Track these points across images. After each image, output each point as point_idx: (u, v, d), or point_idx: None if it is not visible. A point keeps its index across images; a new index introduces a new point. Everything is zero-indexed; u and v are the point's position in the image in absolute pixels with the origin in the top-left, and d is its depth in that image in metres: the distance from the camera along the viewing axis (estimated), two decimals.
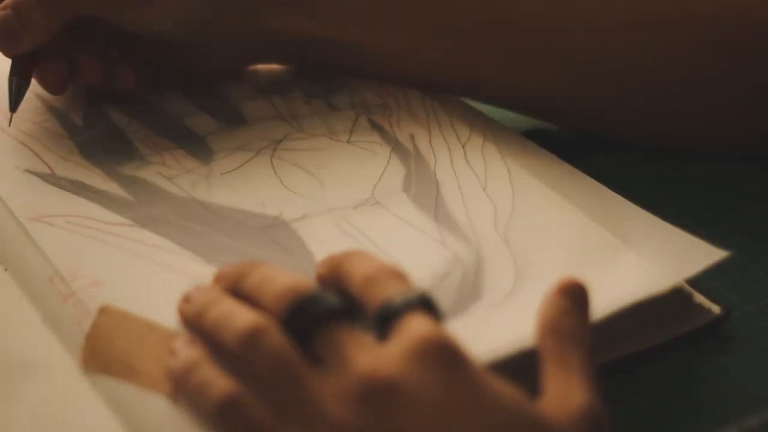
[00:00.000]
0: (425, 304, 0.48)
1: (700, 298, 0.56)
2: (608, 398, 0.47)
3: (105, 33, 0.68)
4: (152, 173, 0.63)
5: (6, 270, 0.58)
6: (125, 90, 0.69)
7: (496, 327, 0.52)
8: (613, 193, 0.61)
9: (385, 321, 0.48)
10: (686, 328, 0.55)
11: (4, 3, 0.64)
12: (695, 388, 0.54)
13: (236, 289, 0.52)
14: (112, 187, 0.62)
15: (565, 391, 0.47)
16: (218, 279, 0.53)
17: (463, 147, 0.64)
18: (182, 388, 0.49)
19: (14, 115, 0.66)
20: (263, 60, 0.71)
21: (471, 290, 0.55)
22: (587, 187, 0.61)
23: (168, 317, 0.53)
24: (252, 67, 0.73)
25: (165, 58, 0.70)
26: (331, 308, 0.48)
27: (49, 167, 0.63)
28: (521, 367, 0.49)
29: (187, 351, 0.50)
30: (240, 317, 0.48)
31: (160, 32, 0.67)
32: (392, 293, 0.49)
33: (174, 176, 0.62)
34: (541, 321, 0.49)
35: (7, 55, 0.66)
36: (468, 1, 0.66)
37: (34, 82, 0.67)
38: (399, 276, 0.50)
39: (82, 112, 0.68)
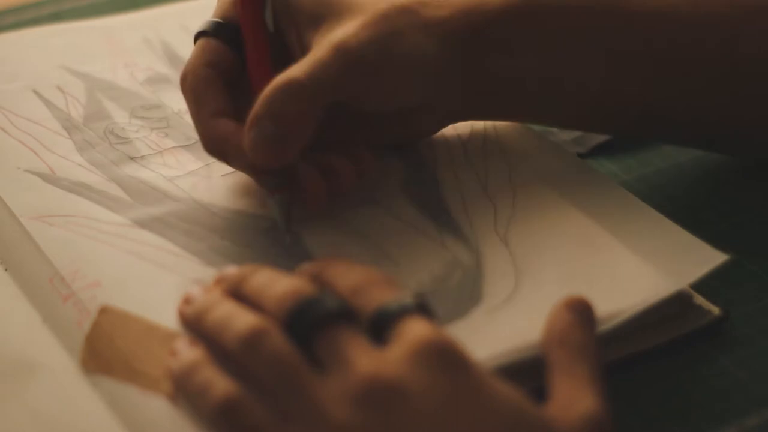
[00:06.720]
0: (421, 309, 0.48)
1: (699, 299, 0.56)
2: (608, 398, 0.47)
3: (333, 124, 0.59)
4: (153, 174, 0.63)
5: (6, 270, 0.58)
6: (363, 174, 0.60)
7: (496, 331, 0.52)
8: (617, 185, 0.60)
9: (380, 327, 0.48)
10: (686, 329, 0.55)
11: (250, 120, 0.56)
12: (695, 388, 0.54)
13: (237, 292, 0.52)
14: (112, 188, 0.62)
15: (571, 398, 0.47)
16: (219, 281, 0.53)
17: (464, 147, 0.64)
18: (183, 389, 0.49)
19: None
20: (467, 116, 0.62)
21: (471, 293, 0.55)
22: (590, 181, 0.61)
23: (167, 318, 0.53)
24: None
25: (381, 129, 0.62)
26: (332, 311, 0.48)
27: (50, 167, 0.63)
28: (522, 371, 0.49)
29: (188, 352, 0.50)
30: (241, 319, 0.49)
31: (401, 103, 0.59)
32: (385, 300, 0.49)
33: (174, 177, 0.62)
34: (548, 334, 0.50)
35: (277, 165, 0.57)
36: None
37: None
38: (387, 283, 0.50)
39: (82, 111, 0.68)
